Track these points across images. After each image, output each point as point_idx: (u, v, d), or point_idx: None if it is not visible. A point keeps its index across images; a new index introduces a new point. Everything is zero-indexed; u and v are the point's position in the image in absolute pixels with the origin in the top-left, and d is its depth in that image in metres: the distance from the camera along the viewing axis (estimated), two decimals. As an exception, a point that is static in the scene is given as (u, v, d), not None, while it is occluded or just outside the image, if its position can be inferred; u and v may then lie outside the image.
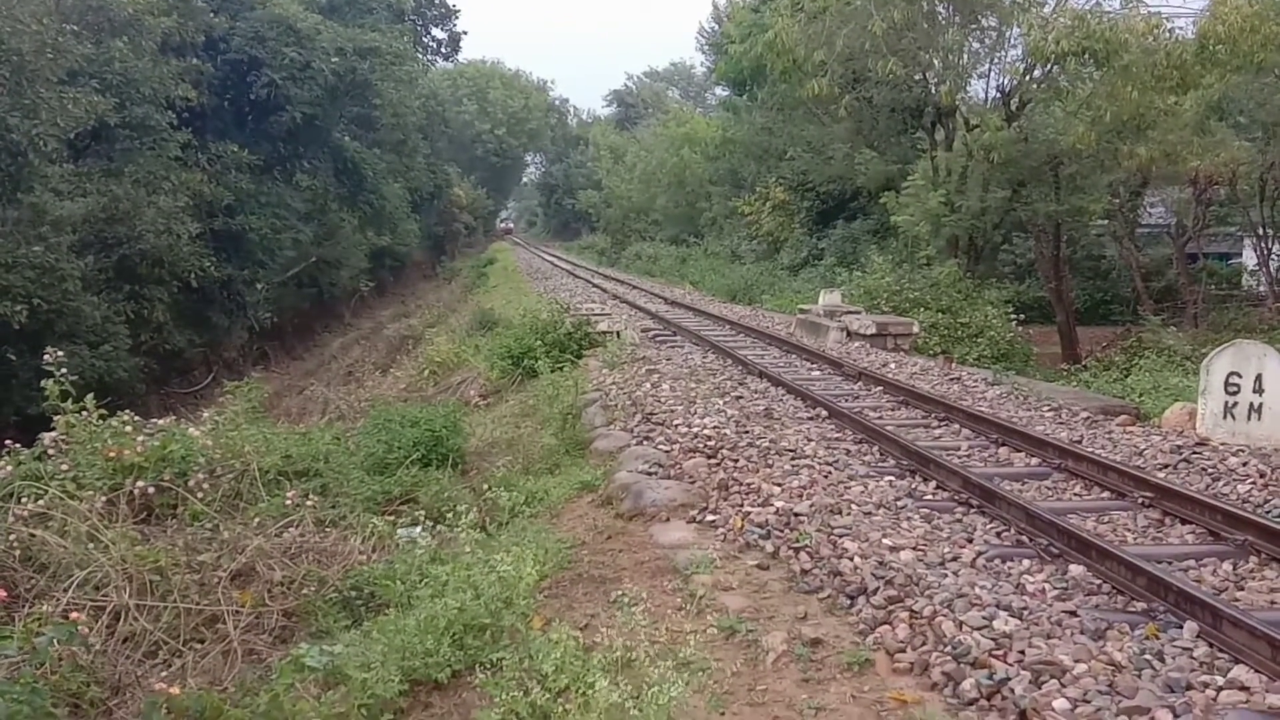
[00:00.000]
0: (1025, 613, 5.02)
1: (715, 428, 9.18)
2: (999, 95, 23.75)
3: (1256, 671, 4.40)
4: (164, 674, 5.36)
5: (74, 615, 5.27)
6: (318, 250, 36.80)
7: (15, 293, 18.19)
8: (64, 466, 7.51)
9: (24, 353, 16.86)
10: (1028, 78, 22.58)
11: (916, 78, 24.21)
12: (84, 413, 8.18)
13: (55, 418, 8.20)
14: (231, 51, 29.98)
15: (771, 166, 38.44)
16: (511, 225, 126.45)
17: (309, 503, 7.76)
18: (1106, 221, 25.53)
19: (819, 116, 29.44)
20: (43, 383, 8.31)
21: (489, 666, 4.82)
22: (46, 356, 8.39)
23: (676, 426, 9.40)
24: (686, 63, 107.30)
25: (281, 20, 30.62)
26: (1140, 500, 7.03)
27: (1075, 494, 7.61)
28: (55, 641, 4.32)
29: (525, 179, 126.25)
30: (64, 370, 8.21)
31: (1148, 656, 4.56)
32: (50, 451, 7.85)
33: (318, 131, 33.17)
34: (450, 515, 6.73)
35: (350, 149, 36.21)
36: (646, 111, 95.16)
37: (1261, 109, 20.79)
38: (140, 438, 8.01)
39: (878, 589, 5.33)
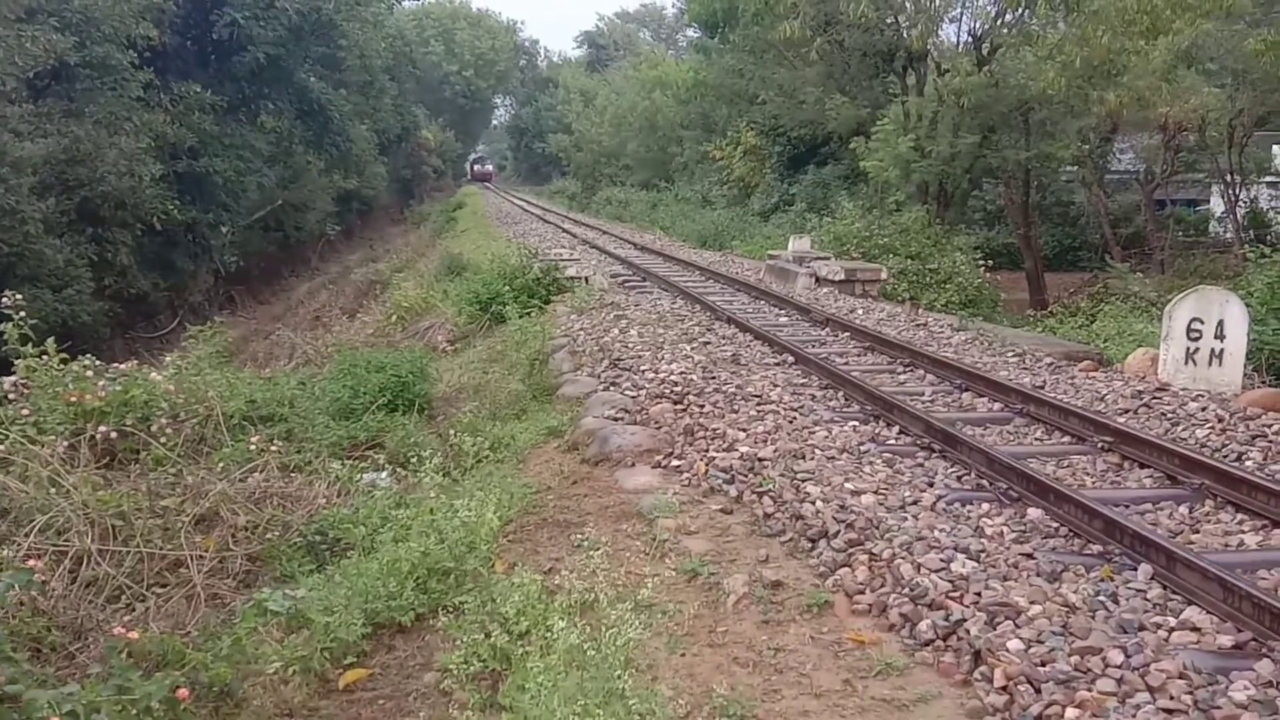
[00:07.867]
0: (983, 555, 5.08)
1: (682, 373, 9.19)
2: (970, 40, 23.67)
3: (1208, 613, 4.48)
4: (126, 619, 5.37)
5: (35, 561, 5.25)
6: (283, 193, 36.30)
7: (-25, 236, 17.93)
8: (24, 411, 7.45)
9: (-16, 296, 16.61)
10: (999, 22, 22.51)
11: (888, 21, 24.04)
12: (45, 357, 8.10)
13: (15, 362, 8.13)
14: (193, -12, 29.36)
15: (743, 110, 38.19)
16: (491, 168, 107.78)
17: (273, 448, 7.76)
18: (1076, 168, 25.58)
19: (790, 60, 29.13)
20: (2, 326, 8.22)
21: (452, 610, 4.86)
22: (5, 300, 8.30)
23: (644, 372, 9.42)
24: (658, 3, 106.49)
25: (243, -43, 29.97)
26: (1100, 445, 7.09)
27: (1036, 439, 7.67)
28: (14, 587, 4.30)
29: (495, 122, 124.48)
30: (24, 314, 8.12)
31: (1102, 598, 4.63)
32: (10, 396, 7.79)
33: (282, 72, 32.53)
34: (415, 460, 6.73)
35: (316, 90, 35.52)
36: (617, 53, 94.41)
37: (1231, 55, 20.78)
38: (102, 382, 7.95)
39: (838, 532, 5.39)
